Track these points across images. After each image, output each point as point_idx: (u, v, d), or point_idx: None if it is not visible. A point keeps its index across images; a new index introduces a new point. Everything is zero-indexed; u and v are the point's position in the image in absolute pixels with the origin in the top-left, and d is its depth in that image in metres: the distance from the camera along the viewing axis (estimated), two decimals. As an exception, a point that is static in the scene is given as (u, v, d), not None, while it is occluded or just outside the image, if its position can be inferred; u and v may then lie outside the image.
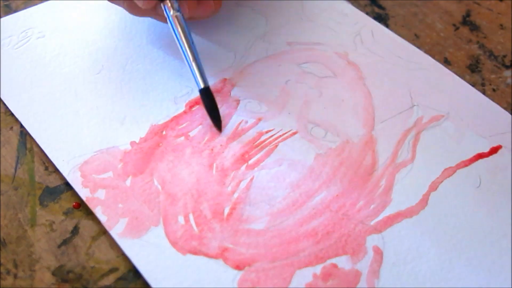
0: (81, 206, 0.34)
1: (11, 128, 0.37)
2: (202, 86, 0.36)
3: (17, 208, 0.34)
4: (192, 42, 0.37)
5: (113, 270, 0.32)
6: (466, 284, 0.31)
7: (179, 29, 0.37)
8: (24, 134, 0.37)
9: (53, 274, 0.32)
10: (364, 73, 0.41)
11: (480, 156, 0.37)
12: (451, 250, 0.32)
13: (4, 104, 0.38)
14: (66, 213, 0.34)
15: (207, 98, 0.37)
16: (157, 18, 0.40)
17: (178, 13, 0.37)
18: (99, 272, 0.32)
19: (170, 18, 0.37)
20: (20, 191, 0.35)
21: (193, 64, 0.36)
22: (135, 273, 0.32)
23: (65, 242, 0.33)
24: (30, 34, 0.42)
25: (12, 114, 0.38)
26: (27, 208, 0.34)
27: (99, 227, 0.33)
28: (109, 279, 0.31)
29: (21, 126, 0.37)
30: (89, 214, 0.34)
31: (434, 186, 0.35)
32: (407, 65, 0.41)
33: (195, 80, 0.37)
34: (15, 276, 0.31)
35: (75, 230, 0.33)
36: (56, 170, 0.35)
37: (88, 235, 0.33)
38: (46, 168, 0.36)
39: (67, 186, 0.35)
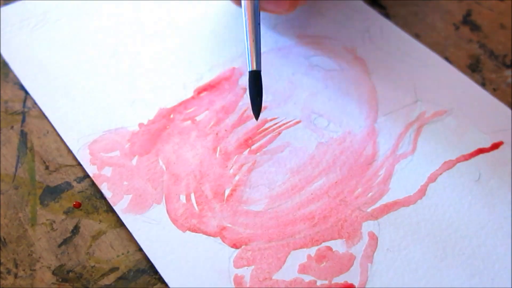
0: (81, 205, 0.34)
1: (12, 127, 0.38)
2: (253, 68, 0.34)
3: (17, 207, 0.34)
4: (258, 25, 0.35)
5: (113, 269, 0.32)
6: (459, 272, 0.32)
7: (249, 9, 0.35)
8: (24, 133, 0.38)
9: (54, 273, 0.32)
10: (370, 68, 0.42)
11: (481, 151, 0.37)
12: (445, 240, 0.33)
13: (5, 103, 0.39)
14: (66, 213, 0.34)
15: (255, 81, 0.35)
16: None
17: None
18: (100, 272, 0.32)
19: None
20: (21, 190, 0.35)
21: (252, 45, 0.34)
22: (135, 273, 0.32)
23: (65, 241, 0.33)
24: (48, 17, 0.44)
25: (12, 113, 0.38)
26: (28, 208, 0.34)
27: (99, 227, 0.34)
28: (110, 279, 0.32)
29: (22, 125, 0.38)
30: (90, 213, 0.34)
31: (433, 178, 0.36)
32: (413, 62, 0.42)
33: (248, 61, 0.34)
34: (16, 276, 0.32)
35: (76, 230, 0.34)
36: (56, 170, 0.36)
37: (89, 234, 0.33)
38: (47, 168, 0.36)
39: (68, 185, 0.35)
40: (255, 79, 0.34)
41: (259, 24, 0.35)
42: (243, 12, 0.35)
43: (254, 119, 0.38)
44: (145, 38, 0.43)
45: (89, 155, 0.36)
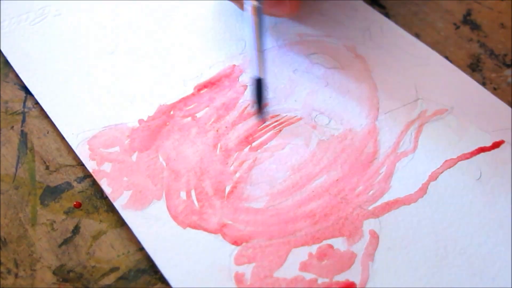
0: (81, 205, 0.34)
1: (12, 127, 0.38)
2: (258, 76, 0.37)
3: (17, 207, 0.34)
4: (262, 35, 0.37)
5: (113, 269, 0.32)
6: (459, 271, 0.32)
7: (254, 20, 0.37)
8: (24, 134, 0.37)
9: (54, 273, 0.32)
10: (371, 66, 0.42)
11: (482, 149, 0.37)
12: (447, 238, 0.33)
13: (5, 103, 0.39)
14: (67, 213, 0.34)
15: (258, 88, 0.37)
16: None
17: (258, 4, 0.37)
18: (100, 272, 0.32)
19: (249, 7, 0.37)
20: (21, 190, 0.35)
21: (258, 55, 0.37)
22: (136, 273, 0.32)
23: (66, 241, 0.33)
24: (47, 12, 0.43)
25: (13, 113, 0.38)
26: (28, 208, 0.34)
27: (100, 227, 0.34)
28: (110, 279, 0.32)
29: (22, 125, 0.38)
30: (90, 213, 0.34)
31: (434, 176, 0.36)
32: (414, 60, 0.42)
33: (255, 69, 0.37)
34: (16, 276, 0.32)
35: (76, 230, 0.33)
36: (56, 170, 0.36)
37: (89, 234, 0.33)
38: (47, 168, 0.36)
39: (68, 185, 0.35)
40: (258, 85, 0.37)
41: (262, 36, 0.37)
42: (249, 25, 0.37)
43: (254, 116, 0.38)
44: (145, 34, 0.43)
45: (89, 150, 0.36)
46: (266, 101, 0.38)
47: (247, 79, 0.40)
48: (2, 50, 0.41)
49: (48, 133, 0.37)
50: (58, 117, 0.37)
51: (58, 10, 0.44)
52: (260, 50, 0.37)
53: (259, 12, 0.37)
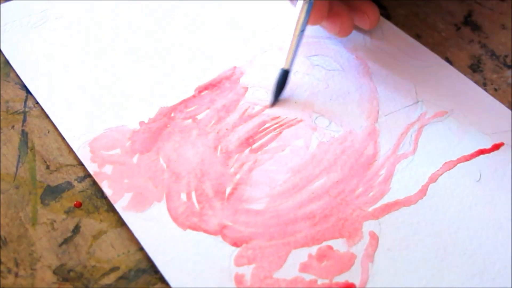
0: (82, 205, 0.34)
1: (13, 127, 0.38)
2: (285, 68, 0.39)
3: (18, 206, 0.34)
4: (303, 31, 0.39)
5: (114, 269, 0.32)
6: (459, 272, 0.32)
7: (301, 15, 0.38)
8: (25, 133, 0.37)
9: (54, 273, 0.32)
10: (372, 68, 0.42)
11: (482, 152, 0.37)
12: (446, 239, 0.33)
13: (6, 103, 0.39)
14: (67, 212, 0.34)
15: (282, 78, 0.39)
16: None
17: (308, 2, 0.38)
18: (100, 271, 0.32)
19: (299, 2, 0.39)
20: (21, 189, 0.35)
21: (292, 48, 0.39)
22: (136, 272, 0.32)
23: (66, 241, 0.33)
24: (48, 14, 0.44)
25: (13, 113, 0.38)
26: (28, 207, 0.34)
27: (100, 226, 0.34)
28: (110, 278, 0.32)
29: (23, 124, 0.38)
30: (90, 213, 0.34)
31: (433, 178, 0.36)
32: (414, 62, 0.42)
33: (285, 60, 0.39)
34: (16, 275, 0.32)
35: (76, 229, 0.33)
36: (57, 169, 0.36)
37: (89, 234, 0.33)
38: (48, 167, 0.36)
39: (69, 185, 0.35)
40: (283, 76, 0.39)
41: (303, 31, 0.39)
42: (294, 18, 0.39)
43: (254, 119, 0.38)
44: (146, 36, 0.43)
45: (90, 153, 0.36)
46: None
47: (247, 80, 0.40)
48: (3, 52, 0.41)
49: (48, 132, 0.38)
50: (60, 120, 0.38)
51: (59, 12, 0.44)
52: (296, 46, 0.39)
53: (307, 9, 0.38)
